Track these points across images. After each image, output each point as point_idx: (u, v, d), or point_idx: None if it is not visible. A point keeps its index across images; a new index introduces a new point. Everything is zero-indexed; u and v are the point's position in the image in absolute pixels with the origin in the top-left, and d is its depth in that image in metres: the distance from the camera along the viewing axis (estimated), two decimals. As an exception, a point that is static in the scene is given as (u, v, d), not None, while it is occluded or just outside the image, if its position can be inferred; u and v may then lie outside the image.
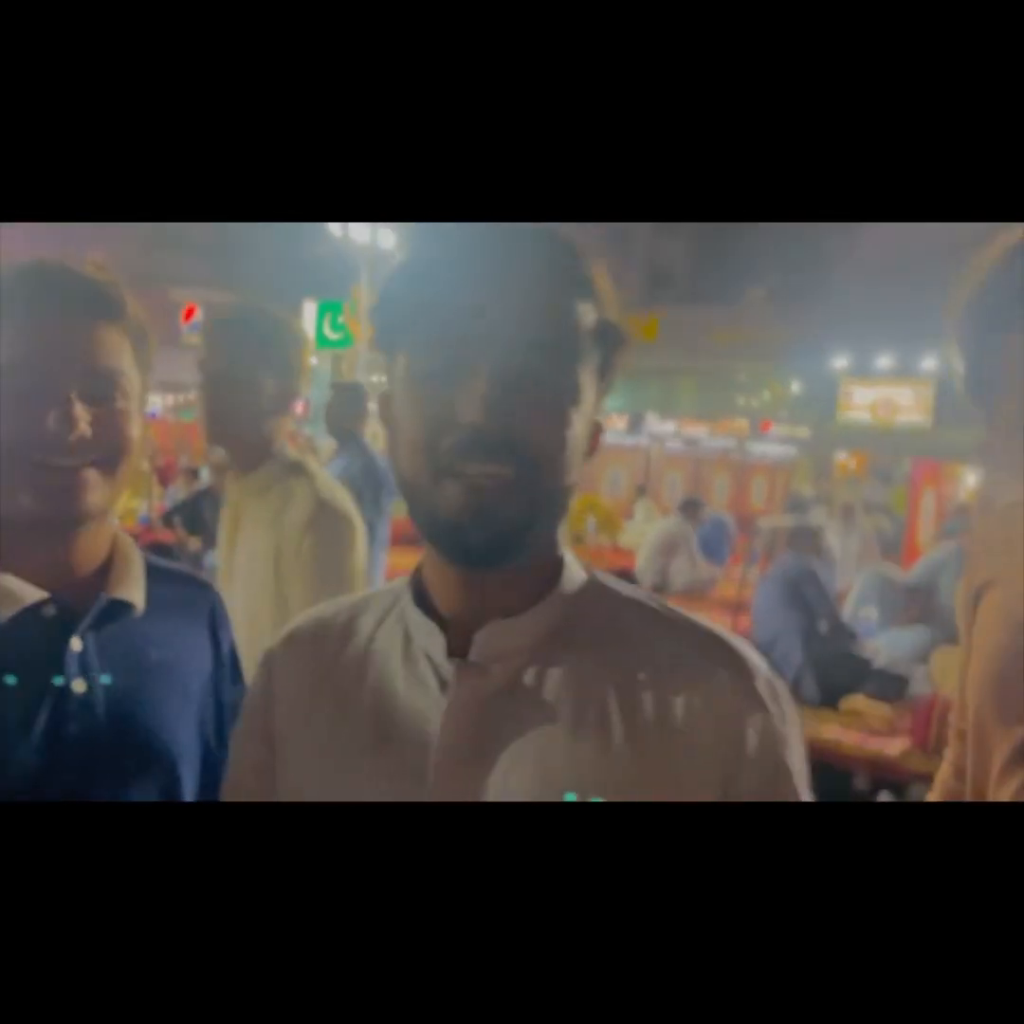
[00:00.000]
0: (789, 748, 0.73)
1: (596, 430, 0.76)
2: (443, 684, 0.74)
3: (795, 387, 25.93)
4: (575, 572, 0.78)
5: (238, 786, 0.84)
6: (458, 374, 0.67)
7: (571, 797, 0.69)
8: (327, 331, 22.01)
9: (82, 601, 0.89)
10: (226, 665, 1.04)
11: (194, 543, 6.15)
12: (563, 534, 0.78)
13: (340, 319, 21.02)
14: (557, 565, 0.77)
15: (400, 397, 0.71)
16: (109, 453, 0.87)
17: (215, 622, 1.03)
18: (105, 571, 0.93)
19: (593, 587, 0.78)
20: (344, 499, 1.72)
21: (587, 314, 0.71)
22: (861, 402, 24.49)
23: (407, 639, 0.77)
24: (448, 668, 0.73)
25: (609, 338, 0.73)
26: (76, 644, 0.87)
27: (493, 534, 0.67)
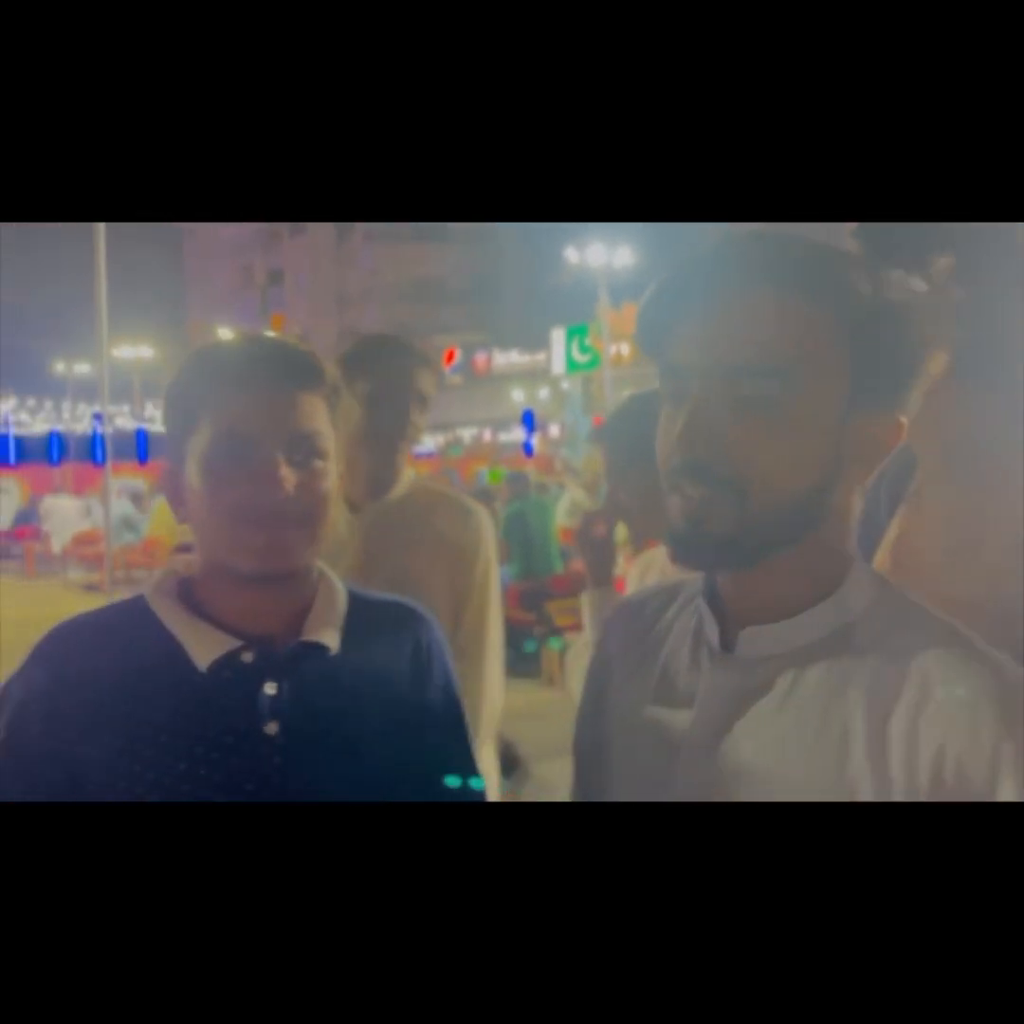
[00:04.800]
0: None
1: (890, 426, 0.73)
2: None
3: None
4: (863, 583, 0.77)
5: (583, 716, 0.94)
6: (680, 400, 0.73)
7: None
8: (576, 355, 22.54)
9: (283, 646, 0.95)
10: (430, 694, 1.04)
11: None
12: (846, 542, 0.77)
13: (587, 341, 21.51)
14: (840, 572, 0.76)
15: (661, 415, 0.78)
16: (311, 511, 0.92)
17: (420, 652, 1.04)
18: (305, 614, 0.97)
19: (883, 600, 0.76)
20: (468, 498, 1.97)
21: (825, 324, 0.71)
22: None
23: (699, 625, 0.82)
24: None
25: (864, 332, 0.71)
26: (270, 688, 0.92)
27: (708, 546, 0.73)
